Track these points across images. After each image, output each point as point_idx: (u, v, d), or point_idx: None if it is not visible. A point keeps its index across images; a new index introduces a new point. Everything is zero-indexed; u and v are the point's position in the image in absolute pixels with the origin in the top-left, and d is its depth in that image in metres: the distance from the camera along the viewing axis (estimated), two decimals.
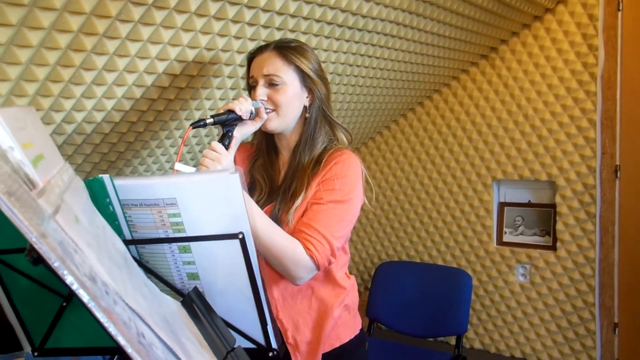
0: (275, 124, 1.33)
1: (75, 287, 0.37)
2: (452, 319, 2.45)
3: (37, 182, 0.51)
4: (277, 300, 1.31)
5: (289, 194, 1.30)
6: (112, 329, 0.38)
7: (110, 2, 1.18)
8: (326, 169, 1.29)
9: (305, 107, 1.36)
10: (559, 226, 2.71)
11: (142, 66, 1.42)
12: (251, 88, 1.36)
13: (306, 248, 1.20)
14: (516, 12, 2.44)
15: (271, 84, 1.31)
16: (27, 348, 0.97)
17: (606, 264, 2.61)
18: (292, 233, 1.23)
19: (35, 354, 0.96)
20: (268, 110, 1.31)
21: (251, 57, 1.37)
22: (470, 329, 3.04)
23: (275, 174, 1.41)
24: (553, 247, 2.77)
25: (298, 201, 1.27)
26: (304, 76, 1.33)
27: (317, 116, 1.36)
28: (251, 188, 1.40)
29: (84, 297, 0.37)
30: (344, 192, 1.26)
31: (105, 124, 1.54)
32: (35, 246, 0.37)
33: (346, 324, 1.39)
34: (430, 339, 3.02)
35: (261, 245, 1.16)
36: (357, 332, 1.43)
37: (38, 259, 0.37)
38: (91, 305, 0.37)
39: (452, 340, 2.94)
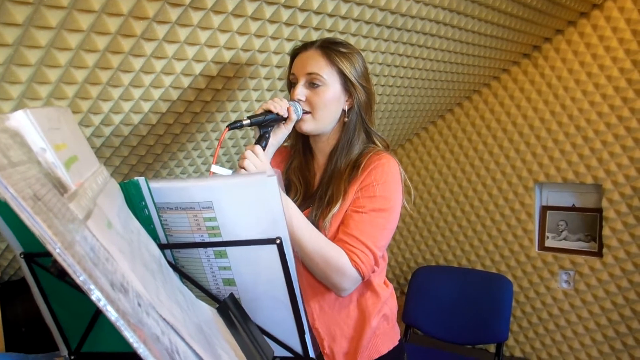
0: (310, 126, 1.29)
1: (102, 303, 0.34)
2: (492, 326, 2.37)
3: (69, 185, 0.49)
4: (313, 309, 1.27)
5: (325, 200, 1.26)
6: (142, 350, 0.35)
7: (148, 3, 1.17)
8: (364, 173, 1.24)
9: (344, 110, 1.32)
10: (606, 231, 2.60)
11: (179, 68, 1.41)
12: (291, 85, 1.33)
13: (351, 259, 1.16)
14: (561, 9, 2.34)
15: (311, 84, 1.27)
16: (64, 351, 0.96)
17: None
18: (332, 242, 1.19)
19: (72, 357, 0.96)
20: (304, 112, 1.28)
21: (295, 54, 1.33)
22: (510, 337, 2.95)
23: (311, 176, 1.38)
24: (599, 253, 2.66)
25: (335, 209, 1.23)
26: (345, 80, 1.28)
27: (356, 122, 1.32)
28: (287, 190, 1.37)
29: (112, 315, 0.35)
30: (385, 198, 1.22)
31: (142, 126, 1.54)
32: (59, 259, 0.34)
33: (385, 335, 1.34)
34: (469, 346, 2.94)
35: (306, 255, 1.14)
36: (396, 343, 1.38)
37: (63, 272, 0.35)
38: (119, 324, 0.35)
39: (492, 348, 2.87)
